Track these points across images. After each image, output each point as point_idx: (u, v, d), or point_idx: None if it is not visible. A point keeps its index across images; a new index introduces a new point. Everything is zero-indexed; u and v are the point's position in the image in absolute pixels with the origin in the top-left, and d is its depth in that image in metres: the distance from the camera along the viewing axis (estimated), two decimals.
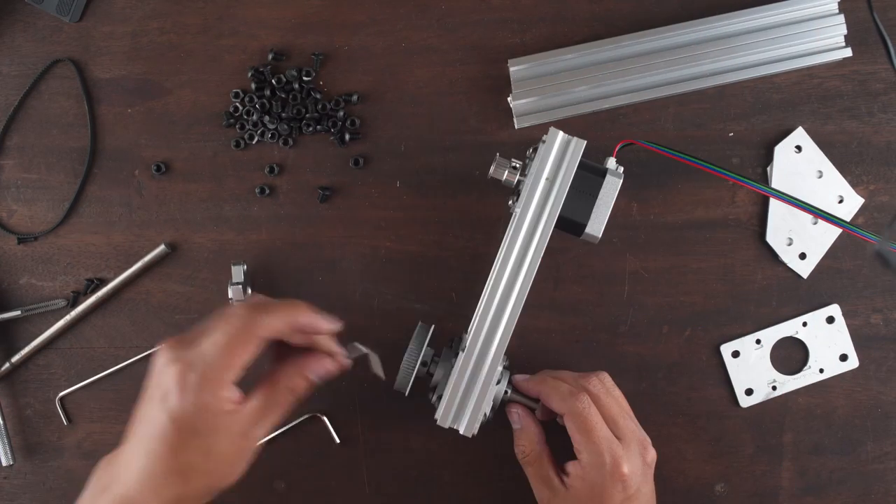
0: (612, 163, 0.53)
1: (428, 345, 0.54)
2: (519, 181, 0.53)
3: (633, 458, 0.52)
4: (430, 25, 0.62)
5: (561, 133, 0.52)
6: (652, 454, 0.54)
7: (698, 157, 0.54)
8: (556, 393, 0.53)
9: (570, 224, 0.52)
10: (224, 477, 0.48)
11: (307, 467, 0.62)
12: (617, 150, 0.54)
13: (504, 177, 0.53)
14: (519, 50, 0.62)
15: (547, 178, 0.52)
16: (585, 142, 0.52)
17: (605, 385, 0.54)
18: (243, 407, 0.47)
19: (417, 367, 0.53)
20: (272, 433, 0.51)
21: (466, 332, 0.53)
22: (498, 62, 0.61)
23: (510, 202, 0.54)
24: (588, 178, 0.52)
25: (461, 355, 0.52)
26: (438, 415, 0.52)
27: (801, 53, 0.60)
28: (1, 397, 0.62)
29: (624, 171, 0.61)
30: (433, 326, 0.54)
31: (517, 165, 0.53)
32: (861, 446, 0.61)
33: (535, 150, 0.53)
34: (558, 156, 0.52)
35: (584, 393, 0.53)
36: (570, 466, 0.53)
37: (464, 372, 0.52)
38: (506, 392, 0.55)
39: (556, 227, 0.52)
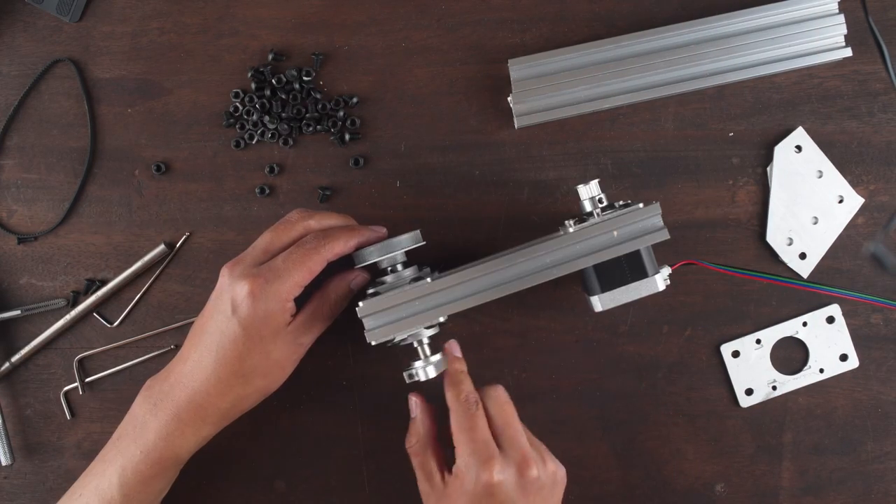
0: (665, 271, 0.53)
1: (407, 262, 0.55)
2: (592, 213, 0.53)
3: (508, 470, 0.50)
4: (430, 25, 0.62)
5: (660, 212, 0.52)
6: (536, 472, 0.51)
7: (769, 273, 0.58)
8: (454, 385, 0.53)
9: (589, 279, 0.53)
10: (276, 380, 0.55)
11: (307, 467, 0.62)
12: (677, 266, 0.56)
13: (587, 195, 0.53)
14: (519, 50, 0.62)
15: (615, 234, 0.52)
16: (667, 237, 0.52)
17: (499, 396, 0.53)
18: (297, 317, 0.54)
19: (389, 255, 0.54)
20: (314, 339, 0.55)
21: (440, 273, 0.54)
22: (498, 62, 0.61)
23: (567, 221, 0.53)
24: (638, 263, 0.53)
25: (423, 281, 0.53)
26: (363, 303, 0.53)
27: (801, 53, 0.60)
28: (1, 397, 0.62)
29: (624, 171, 0.61)
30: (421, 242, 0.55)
31: (602, 199, 0.53)
32: (861, 446, 0.61)
33: (628, 204, 0.53)
34: (639, 227, 0.52)
35: (475, 396, 0.52)
36: (455, 467, 0.52)
37: (410, 292, 0.53)
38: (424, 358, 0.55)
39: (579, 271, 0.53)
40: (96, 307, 0.62)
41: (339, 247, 0.53)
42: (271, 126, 0.61)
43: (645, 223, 0.53)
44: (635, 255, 0.52)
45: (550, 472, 0.52)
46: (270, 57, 0.62)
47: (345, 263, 0.55)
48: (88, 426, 0.62)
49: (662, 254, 0.61)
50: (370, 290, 0.55)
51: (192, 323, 0.62)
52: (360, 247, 0.54)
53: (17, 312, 0.62)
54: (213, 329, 0.52)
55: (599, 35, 0.61)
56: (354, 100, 0.62)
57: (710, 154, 0.61)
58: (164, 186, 0.62)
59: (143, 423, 0.53)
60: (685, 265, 0.57)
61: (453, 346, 0.56)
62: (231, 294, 0.52)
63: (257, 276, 0.52)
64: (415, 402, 0.56)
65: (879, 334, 0.61)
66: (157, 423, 0.53)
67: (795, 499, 0.61)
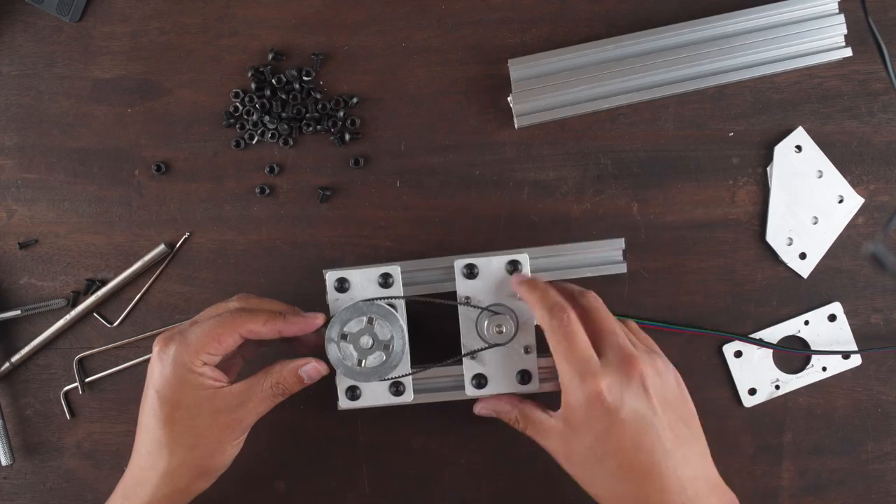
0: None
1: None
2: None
3: (611, 374, 0.49)
4: (430, 25, 0.62)
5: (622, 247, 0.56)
6: (643, 368, 0.49)
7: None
8: (543, 302, 0.51)
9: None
10: (209, 456, 0.52)
11: (307, 467, 0.62)
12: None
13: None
14: (519, 50, 0.62)
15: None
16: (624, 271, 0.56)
17: (588, 302, 0.52)
18: (228, 387, 0.52)
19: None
20: (257, 419, 0.53)
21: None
22: (498, 62, 0.61)
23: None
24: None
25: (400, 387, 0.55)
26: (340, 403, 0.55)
27: (801, 53, 0.60)
28: (1, 397, 0.62)
29: (624, 171, 0.61)
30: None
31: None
32: (861, 446, 0.61)
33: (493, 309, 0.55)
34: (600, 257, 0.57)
35: (569, 308, 0.50)
36: (562, 394, 0.51)
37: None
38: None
39: None
40: (96, 307, 0.62)
41: (254, 325, 0.51)
42: (271, 126, 0.61)
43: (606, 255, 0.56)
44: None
45: (661, 368, 0.51)
46: (270, 57, 0.62)
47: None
48: (88, 426, 0.62)
49: (662, 253, 0.61)
50: (347, 391, 0.55)
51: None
52: (282, 335, 0.52)
53: (17, 312, 0.62)
54: (144, 396, 0.53)
55: (599, 35, 0.61)
56: (354, 100, 0.62)
57: (710, 154, 0.61)
58: (164, 186, 0.62)
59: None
60: None
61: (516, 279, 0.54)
62: (150, 363, 0.52)
63: (165, 338, 0.52)
64: (485, 409, 0.55)
65: (880, 334, 0.61)
66: None
67: (795, 499, 0.61)
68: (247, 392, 0.52)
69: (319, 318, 0.53)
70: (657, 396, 0.49)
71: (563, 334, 0.50)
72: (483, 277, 0.54)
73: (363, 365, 0.53)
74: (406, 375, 0.54)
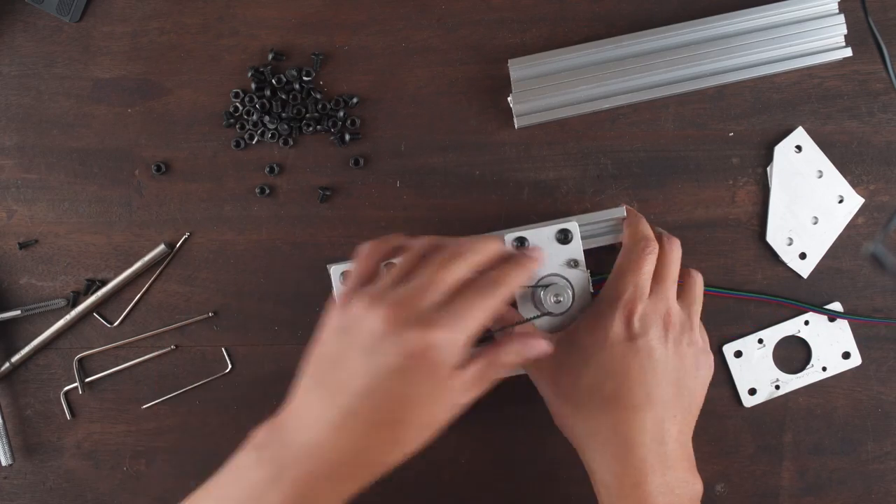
0: None
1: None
2: None
3: (650, 311, 0.51)
4: (430, 25, 0.62)
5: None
6: (676, 325, 0.51)
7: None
8: (633, 224, 0.54)
9: None
10: (422, 442, 0.45)
11: None
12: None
13: None
14: (519, 50, 0.62)
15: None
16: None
17: (672, 251, 0.54)
18: (463, 373, 0.44)
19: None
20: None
21: None
22: (498, 62, 0.61)
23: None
24: None
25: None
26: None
27: (801, 53, 0.60)
28: (1, 397, 0.62)
29: (624, 171, 0.61)
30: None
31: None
32: (861, 446, 0.61)
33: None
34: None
35: (654, 245, 0.52)
36: (595, 303, 0.52)
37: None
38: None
39: None
40: (96, 307, 0.62)
41: (512, 288, 0.45)
42: (271, 126, 0.61)
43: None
44: None
45: (695, 340, 0.52)
46: (270, 57, 0.62)
47: None
48: (88, 426, 0.62)
49: None
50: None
51: (192, 323, 0.62)
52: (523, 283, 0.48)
53: (17, 312, 0.62)
54: (368, 385, 0.42)
55: (599, 35, 0.61)
56: (354, 100, 0.62)
57: (710, 154, 0.61)
58: (164, 186, 0.62)
59: (260, 495, 0.43)
60: None
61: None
62: (401, 345, 0.41)
63: (436, 325, 0.42)
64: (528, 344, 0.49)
65: (880, 334, 0.61)
66: (281, 496, 0.43)
67: (795, 499, 0.61)
68: (476, 382, 0.45)
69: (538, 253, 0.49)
70: (677, 353, 0.51)
71: (635, 258, 0.52)
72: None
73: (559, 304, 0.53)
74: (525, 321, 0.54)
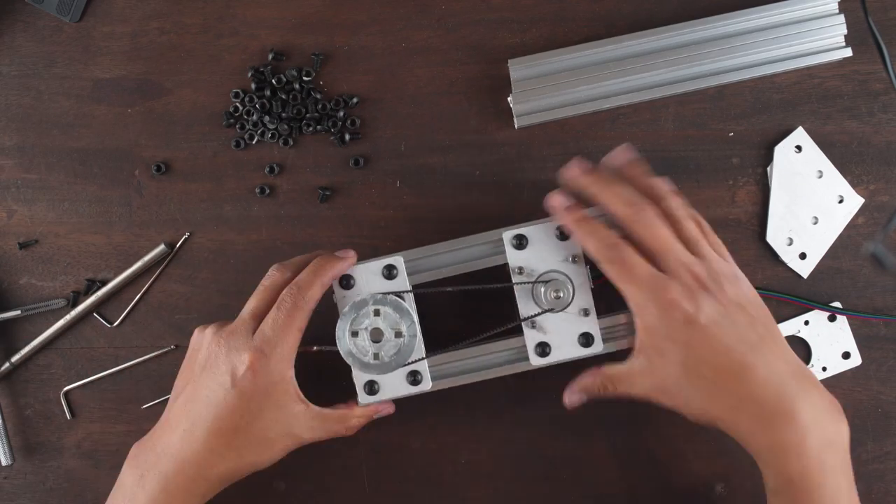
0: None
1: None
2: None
3: (680, 284, 0.49)
4: (430, 25, 0.62)
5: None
6: (709, 274, 0.50)
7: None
8: (595, 242, 0.51)
9: None
10: (266, 459, 0.53)
11: (307, 467, 0.62)
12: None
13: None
14: (519, 50, 0.62)
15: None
16: None
17: (674, 208, 0.51)
18: (309, 410, 0.53)
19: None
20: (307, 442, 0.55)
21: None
22: (498, 62, 0.61)
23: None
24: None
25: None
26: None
27: (801, 53, 0.60)
28: (1, 397, 0.63)
29: None
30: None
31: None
32: (861, 446, 0.61)
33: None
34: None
35: (619, 242, 0.51)
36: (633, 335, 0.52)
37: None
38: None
39: None
40: (96, 307, 0.62)
41: (316, 293, 0.53)
42: (271, 126, 0.61)
43: None
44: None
45: (728, 273, 0.51)
46: (270, 57, 0.62)
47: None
48: (88, 426, 0.62)
49: None
50: (365, 386, 0.56)
51: (191, 323, 0.62)
52: (333, 279, 0.54)
53: (17, 312, 0.62)
54: (206, 399, 0.52)
55: (599, 35, 0.61)
56: (354, 100, 0.62)
57: (710, 154, 0.61)
58: (164, 186, 0.62)
59: (132, 496, 0.52)
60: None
61: (553, 200, 0.53)
62: (230, 366, 0.51)
63: (256, 349, 0.51)
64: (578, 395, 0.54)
65: (880, 334, 0.61)
66: (146, 495, 0.51)
67: None
68: (323, 421, 0.54)
69: (351, 254, 0.55)
70: (728, 299, 0.50)
71: (619, 265, 0.50)
72: (533, 246, 0.54)
73: (378, 358, 0.53)
74: (421, 359, 0.54)
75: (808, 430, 0.48)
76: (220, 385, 0.51)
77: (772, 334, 0.51)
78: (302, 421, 0.53)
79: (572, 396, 0.54)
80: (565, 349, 0.54)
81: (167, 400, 0.62)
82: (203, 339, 0.54)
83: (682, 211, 0.52)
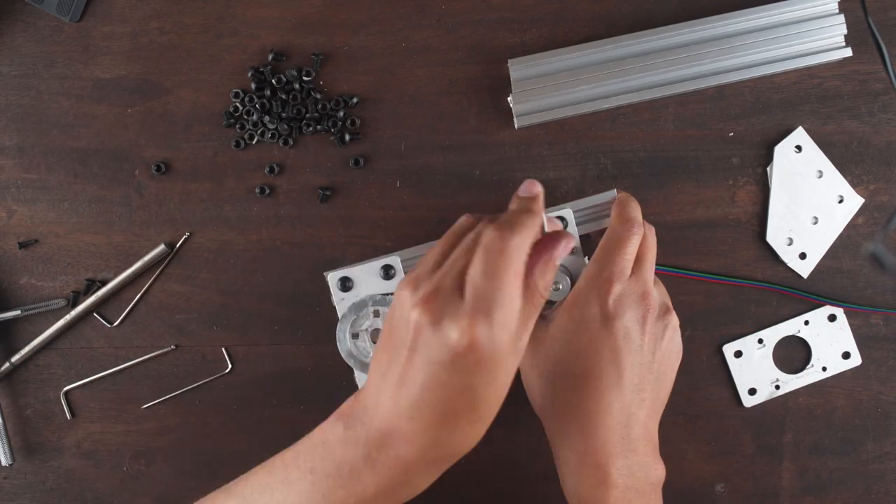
0: None
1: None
2: None
3: (629, 293, 0.50)
4: (430, 25, 0.62)
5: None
6: (653, 307, 0.51)
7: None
8: (626, 210, 0.54)
9: None
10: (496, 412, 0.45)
11: None
12: None
13: None
14: (519, 50, 0.62)
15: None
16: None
17: (651, 237, 0.54)
18: (521, 340, 0.43)
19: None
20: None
21: None
22: (498, 62, 0.61)
23: None
24: None
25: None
26: None
27: (801, 53, 0.60)
28: (1, 397, 0.62)
29: (624, 171, 0.61)
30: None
31: None
32: (861, 446, 0.61)
33: None
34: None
35: (638, 228, 0.53)
36: (576, 285, 0.52)
37: None
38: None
39: None
40: (96, 307, 0.62)
41: (528, 239, 0.42)
42: (271, 126, 0.61)
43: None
44: None
45: (670, 320, 0.52)
46: (270, 57, 0.62)
47: None
48: (88, 426, 0.62)
49: (662, 253, 0.61)
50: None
51: (191, 323, 0.62)
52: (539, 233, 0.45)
53: (17, 312, 0.62)
54: (424, 381, 0.42)
55: (599, 35, 0.61)
56: (354, 100, 0.62)
57: (710, 154, 0.61)
58: (164, 186, 0.62)
59: (356, 473, 0.44)
60: None
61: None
62: (444, 342, 0.40)
63: (474, 321, 0.40)
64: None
65: (880, 334, 0.61)
66: (378, 477, 0.44)
67: (795, 499, 0.61)
68: (524, 319, 0.42)
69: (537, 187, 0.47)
70: (653, 337, 0.51)
71: (618, 238, 0.52)
72: None
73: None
74: None
75: (615, 488, 0.49)
76: (439, 367, 0.41)
77: (658, 396, 0.52)
78: (521, 338, 0.43)
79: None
80: None
81: (167, 400, 0.62)
82: (403, 305, 0.43)
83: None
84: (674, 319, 0.53)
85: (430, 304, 0.41)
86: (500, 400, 0.44)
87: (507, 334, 0.41)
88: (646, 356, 0.51)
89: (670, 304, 0.54)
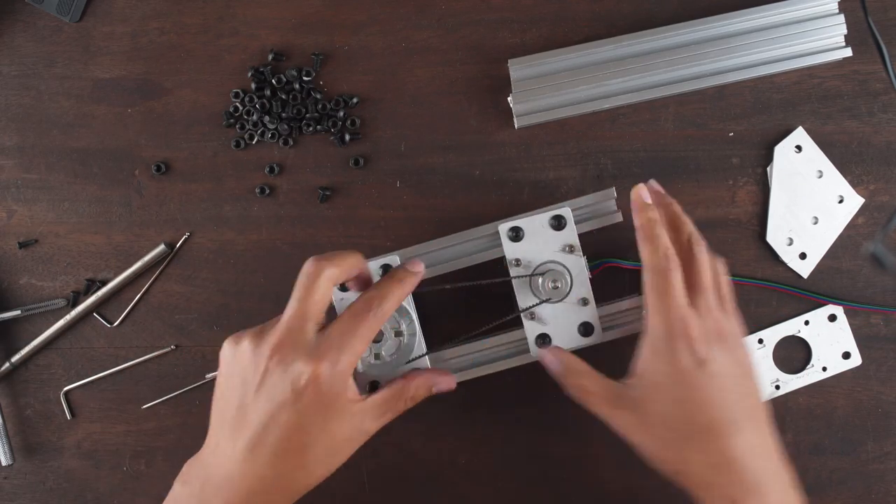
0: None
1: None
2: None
3: (707, 333, 0.48)
4: (430, 25, 0.62)
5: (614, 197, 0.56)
6: (732, 336, 0.50)
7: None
8: (650, 240, 0.50)
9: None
10: (333, 467, 0.49)
11: None
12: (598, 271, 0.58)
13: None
14: (519, 50, 0.62)
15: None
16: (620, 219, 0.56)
17: (703, 257, 0.51)
18: (365, 401, 0.48)
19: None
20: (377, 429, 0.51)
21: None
22: (498, 62, 0.61)
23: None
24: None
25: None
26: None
27: (801, 53, 0.60)
28: (1, 397, 0.62)
29: (624, 171, 0.61)
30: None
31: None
32: (861, 446, 0.61)
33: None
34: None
35: (675, 258, 0.50)
36: (636, 353, 0.50)
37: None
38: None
39: None
40: (96, 307, 0.62)
41: (392, 306, 0.48)
42: (271, 126, 0.61)
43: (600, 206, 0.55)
44: None
45: (741, 338, 0.50)
46: (270, 57, 0.62)
47: None
48: (88, 426, 0.62)
49: None
50: (368, 386, 0.54)
51: (191, 323, 0.62)
52: (408, 293, 0.51)
53: (17, 312, 0.62)
54: (264, 422, 0.46)
55: (599, 35, 0.61)
56: (354, 100, 0.62)
57: (710, 154, 0.61)
58: (164, 186, 0.62)
59: None
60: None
61: (642, 192, 0.52)
62: (288, 381, 0.45)
63: (319, 357, 0.45)
64: (553, 357, 0.52)
65: (880, 334, 0.61)
66: None
67: None
68: (382, 409, 0.49)
69: (421, 266, 0.51)
70: (739, 362, 0.50)
71: (662, 282, 0.49)
72: (529, 238, 0.54)
73: (380, 357, 0.53)
74: (422, 356, 0.54)
75: None
76: (280, 404, 0.45)
77: (762, 406, 0.50)
78: (367, 415, 0.48)
79: (550, 358, 0.53)
80: (565, 339, 0.54)
81: (167, 400, 0.62)
82: (242, 356, 0.47)
83: (724, 268, 0.53)
84: (743, 335, 0.51)
85: (280, 350, 0.46)
86: (333, 451, 0.48)
87: (343, 382, 0.46)
88: (744, 381, 0.50)
89: (734, 311, 0.52)
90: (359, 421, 0.48)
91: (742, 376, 0.50)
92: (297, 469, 0.47)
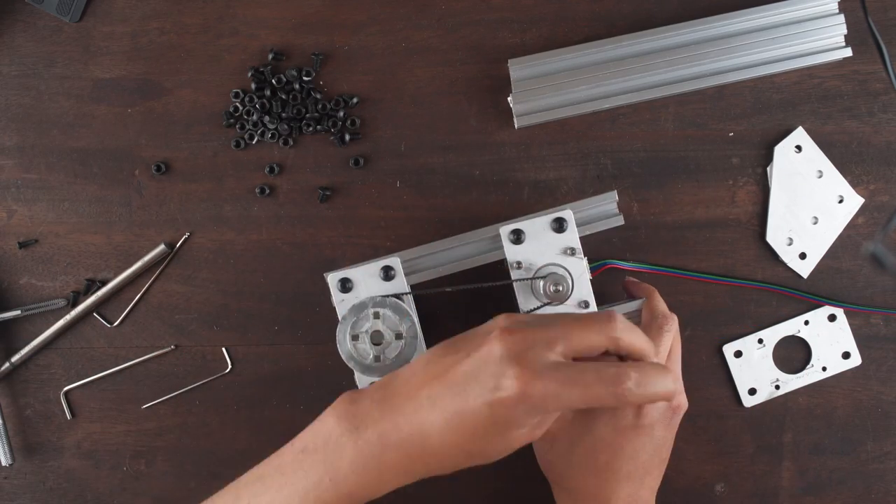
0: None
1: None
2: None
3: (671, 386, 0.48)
4: (430, 25, 0.62)
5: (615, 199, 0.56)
6: (682, 412, 0.52)
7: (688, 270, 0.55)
8: (657, 305, 0.54)
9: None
10: (493, 457, 0.45)
11: None
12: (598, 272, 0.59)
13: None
14: (519, 50, 0.62)
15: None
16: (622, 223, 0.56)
17: (677, 331, 0.54)
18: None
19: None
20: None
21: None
22: (498, 62, 0.61)
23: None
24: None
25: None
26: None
27: (801, 53, 0.60)
28: (1, 397, 0.62)
29: (624, 171, 0.61)
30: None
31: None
32: (861, 446, 0.61)
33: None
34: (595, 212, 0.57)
35: (673, 321, 0.53)
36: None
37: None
38: None
39: None
40: (96, 307, 0.62)
41: (649, 397, 0.43)
42: (271, 126, 0.61)
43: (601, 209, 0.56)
44: None
45: (683, 410, 0.53)
46: (270, 57, 0.62)
47: None
48: (88, 426, 0.62)
49: (662, 253, 0.61)
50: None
51: (191, 323, 0.62)
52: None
53: (17, 312, 0.62)
54: (470, 398, 0.42)
55: (599, 35, 0.61)
56: (354, 100, 0.62)
57: (710, 154, 0.61)
58: (164, 186, 0.62)
59: (337, 445, 0.45)
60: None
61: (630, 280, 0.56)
62: (496, 378, 0.42)
63: (549, 379, 0.41)
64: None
65: (880, 334, 0.61)
66: (356, 451, 0.45)
67: (795, 499, 0.61)
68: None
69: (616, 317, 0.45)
70: (670, 431, 0.52)
71: (675, 352, 0.53)
72: (530, 240, 0.54)
73: (380, 360, 0.53)
74: None
75: None
76: (490, 390, 0.42)
77: (662, 470, 0.53)
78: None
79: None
80: None
81: (167, 400, 0.62)
82: (495, 323, 0.45)
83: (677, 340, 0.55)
84: (684, 406, 0.53)
85: (528, 354, 0.42)
86: (494, 454, 0.44)
87: (535, 415, 0.43)
88: (662, 445, 0.52)
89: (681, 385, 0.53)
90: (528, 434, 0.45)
91: (664, 441, 0.52)
92: (464, 451, 0.44)
